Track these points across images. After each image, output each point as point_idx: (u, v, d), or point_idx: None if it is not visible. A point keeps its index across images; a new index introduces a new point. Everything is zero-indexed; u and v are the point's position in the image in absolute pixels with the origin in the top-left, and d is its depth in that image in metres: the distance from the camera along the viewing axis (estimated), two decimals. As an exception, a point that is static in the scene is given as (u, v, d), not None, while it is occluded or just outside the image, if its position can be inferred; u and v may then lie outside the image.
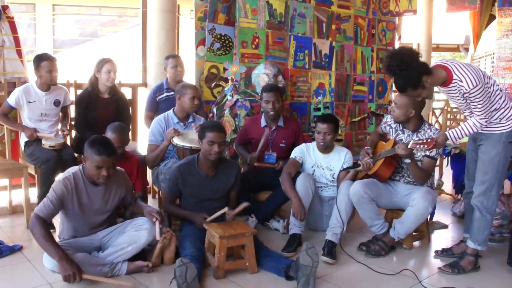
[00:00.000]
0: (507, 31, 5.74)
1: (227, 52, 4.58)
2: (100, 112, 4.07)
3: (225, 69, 4.50)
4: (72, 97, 4.33)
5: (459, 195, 4.74)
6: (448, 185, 5.12)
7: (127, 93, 4.65)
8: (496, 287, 3.00)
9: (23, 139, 3.91)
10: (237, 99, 4.40)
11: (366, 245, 3.48)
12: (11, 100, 3.82)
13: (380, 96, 5.99)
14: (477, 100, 2.88)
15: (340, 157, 3.80)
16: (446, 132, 3.07)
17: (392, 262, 3.33)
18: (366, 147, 3.61)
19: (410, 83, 2.90)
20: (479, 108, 2.91)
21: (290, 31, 4.93)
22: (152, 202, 4.45)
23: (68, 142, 4.18)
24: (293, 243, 3.43)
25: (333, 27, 5.31)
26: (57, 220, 2.97)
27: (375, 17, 5.80)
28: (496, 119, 3.00)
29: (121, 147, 3.38)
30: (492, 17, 7.84)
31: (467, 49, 10.50)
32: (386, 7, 5.90)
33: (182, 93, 3.86)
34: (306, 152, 3.83)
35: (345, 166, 3.72)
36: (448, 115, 7.72)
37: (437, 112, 8.47)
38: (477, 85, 2.84)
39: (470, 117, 3.03)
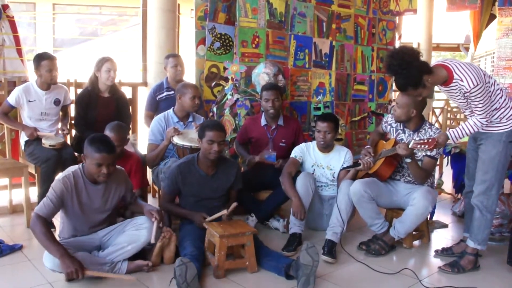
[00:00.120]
0: (507, 31, 5.73)
1: (227, 51, 4.57)
2: (100, 111, 4.07)
3: (225, 69, 4.50)
4: (72, 96, 4.33)
5: (459, 195, 4.74)
6: (448, 185, 5.12)
7: (127, 92, 4.65)
8: (496, 286, 3.00)
9: (23, 138, 3.91)
10: (237, 99, 4.40)
11: (366, 245, 3.48)
12: (11, 99, 3.82)
13: (380, 95, 5.99)
14: (477, 99, 2.88)
15: (340, 157, 3.79)
16: (447, 132, 3.07)
17: (392, 262, 3.33)
18: (367, 146, 3.61)
19: (411, 82, 2.90)
20: (480, 107, 2.91)
21: (290, 30, 4.93)
22: (152, 201, 4.45)
23: (68, 141, 4.18)
24: (293, 242, 3.43)
25: (333, 26, 5.31)
26: (57, 220, 2.97)
27: (376, 17, 5.80)
28: (496, 118, 3.00)
29: (119, 146, 3.38)
30: (492, 17, 7.83)
31: (467, 49, 10.49)
32: (386, 6, 5.89)
33: (183, 92, 3.85)
34: (306, 152, 3.83)
35: (345, 165, 3.72)
36: (448, 115, 7.72)
37: (437, 111, 8.47)
38: (477, 85, 2.84)
39: (471, 116, 3.03)
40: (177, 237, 3.15)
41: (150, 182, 4.38)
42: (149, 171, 4.14)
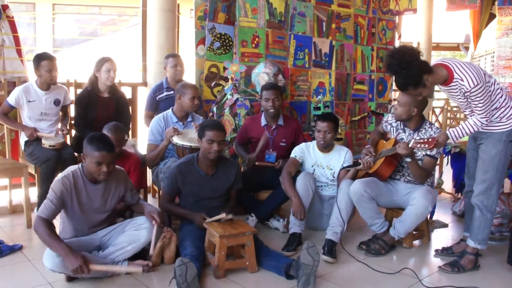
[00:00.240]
0: (507, 30, 5.73)
1: (227, 51, 4.57)
2: (100, 111, 4.07)
3: (225, 68, 4.50)
4: (72, 96, 4.33)
5: (459, 194, 4.74)
6: (448, 184, 5.12)
7: (127, 92, 4.65)
8: (496, 286, 2.99)
9: (23, 138, 3.91)
10: (237, 98, 4.40)
11: (366, 244, 3.48)
12: (11, 99, 3.82)
13: (380, 95, 5.99)
14: (478, 99, 2.88)
15: (340, 156, 3.79)
16: (447, 131, 3.06)
17: (392, 261, 3.33)
18: (367, 146, 3.61)
19: (411, 82, 2.90)
20: (480, 107, 2.91)
21: (290, 30, 4.93)
22: (152, 201, 4.45)
23: (68, 142, 4.18)
24: (293, 242, 3.43)
25: (333, 26, 5.31)
26: (57, 220, 2.96)
27: (375, 16, 5.80)
28: (496, 118, 3.00)
29: (118, 146, 3.37)
30: (492, 16, 7.83)
31: (467, 48, 10.49)
32: (386, 6, 5.89)
33: (182, 92, 3.85)
34: (306, 151, 3.82)
35: (345, 165, 3.72)
36: (448, 114, 7.72)
37: (437, 111, 8.47)
38: (478, 84, 2.83)
39: (471, 116, 3.03)
40: (177, 237, 3.15)
41: (150, 182, 4.38)
42: (149, 172, 4.14)
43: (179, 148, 3.66)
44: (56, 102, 3.97)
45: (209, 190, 3.33)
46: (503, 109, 3.00)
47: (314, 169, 3.80)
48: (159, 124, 3.87)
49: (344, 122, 5.25)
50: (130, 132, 4.52)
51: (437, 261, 3.34)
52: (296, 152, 3.82)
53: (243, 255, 3.07)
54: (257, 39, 4.66)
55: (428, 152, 3.33)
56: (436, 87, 3.15)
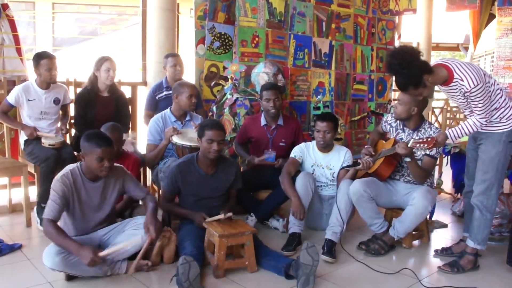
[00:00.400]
0: (506, 30, 5.74)
1: (226, 51, 4.57)
2: (99, 110, 4.07)
3: (224, 68, 4.50)
4: (71, 95, 4.32)
5: (459, 194, 4.74)
6: (447, 184, 5.12)
7: (126, 91, 4.65)
8: (495, 286, 3.00)
9: (22, 137, 3.91)
10: (237, 98, 4.40)
11: (366, 244, 3.48)
12: (11, 98, 3.82)
13: (380, 95, 5.99)
14: (477, 99, 2.88)
15: (340, 156, 3.80)
16: (446, 131, 3.07)
17: (392, 261, 3.33)
18: (367, 146, 3.61)
19: (411, 81, 2.90)
20: (480, 107, 2.91)
21: (290, 30, 4.93)
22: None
23: (68, 141, 4.18)
24: (292, 242, 3.43)
25: (333, 26, 5.31)
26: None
27: (375, 16, 5.80)
28: (496, 118, 3.00)
29: (116, 146, 3.36)
30: (491, 16, 7.84)
31: (466, 48, 10.49)
32: (386, 6, 5.89)
33: (180, 91, 3.85)
34: (306, 151, 3.83)
35: (344, 165, 3.72)
36: (448, 114, 7.72)
37: (437, 111, 8.47)
38: (478, 84, 2.84)
39: (470, 116, 3.03)
40: (176, 237, 3.15)
41: (150, 182, 4.38)
42: (148, 171, 4.13)
43: (179, 148, 3.65)
44: (56, 101, 3.97)
45: (209, 189, 3.32)
46: (502, 109, 3.00)
47: (314, 169, 3.80)
48: (158, 124, 3.87)
49: (343, 122, 5.25)
50: (130, 130, 4.51)
51: (436, 261, 3.34)
52: (295, 152, 3.82)
53: (243, 255, 3.07)
54: (256, 39, 4.66)
55: (428, 152, 3.33)
56: (436, 87, 3.15)
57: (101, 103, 4.10)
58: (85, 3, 14.84)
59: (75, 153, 3.87)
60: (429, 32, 8.88)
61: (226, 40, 4.55)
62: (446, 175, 5.15)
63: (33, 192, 3.88)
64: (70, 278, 2.79)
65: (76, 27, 15.14)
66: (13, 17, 4.48)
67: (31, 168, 3.86)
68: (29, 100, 3.84)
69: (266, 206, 3.89)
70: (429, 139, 3.01)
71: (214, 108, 4.42)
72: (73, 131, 4.33)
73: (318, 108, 5.06)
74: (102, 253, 2.71)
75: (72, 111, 4.27)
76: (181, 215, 3.37)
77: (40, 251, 2.81)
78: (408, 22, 8.78)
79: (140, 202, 3.51)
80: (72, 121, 4.27)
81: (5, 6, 4.39)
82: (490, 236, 3.38)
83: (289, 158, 3.81)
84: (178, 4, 5.07)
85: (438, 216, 4.27)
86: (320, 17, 5.17)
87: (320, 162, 3.80)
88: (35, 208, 3.83)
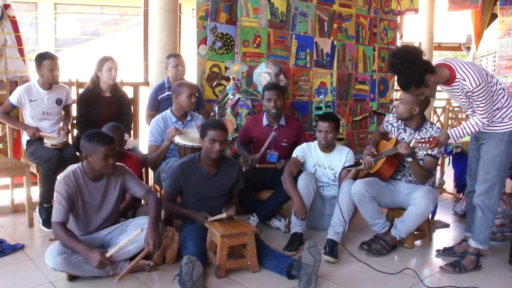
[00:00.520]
0: (509, 30, 5.73)
1: (228, 51, 4.58)
2: (101, 110, 4.08)
3: (226, 68, 4.50)
4: (73, 95, 4.33)
5: (461, 194, 4.73)
6: (449, 184, 5.12)
7: (128, 92, 4.65)
8: (497, 286, 2.99)
9: (25, 137, 3.91)
10: (239, 98, 4.40)
11: (368, 244, 3.48)
12: (13, 98, 3.83)
13: (382, 95, 5.99)
14: (479, 99, 2.88)
15: (342, 156, 3.79)
16: (448, 131, 3.06)
17: (394, 261, 3.33)
18: (369, 146, 3.61)
19: (414, 81, 2.90)
20: (482, 107, 2.91)
21: (292, 30, 4.93)
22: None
23: (70, 141, 4.19)
24: (294, 242, 3.43)
25: (335, 26, 5.31)
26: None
27: (377, 16, 5.80)
28: (498, 118, 3.00)
29: (117, 146, 3.36)
30: (494, 16, 7.84)
31: (468, 48, 10.49)
32: (387, 5, 5.89)
33: (179, 92, 3.85)
34: (308, 151, 3.83)
35: (346, 165, 3.72)
36: (450, 114, 7.71)
37: (439, 111, 8.46)
38: (480, 84, 2.83)
39: (472, 116, 3.02)
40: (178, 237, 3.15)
41: (152, 182, 4.38)
42: (150, 172, 4.13)
43: (181, 148, 3.66)
44: (58, 102, 3.98)
45: (211, 189, 3.33)
46: (505, 109, 3.00)
47: (316, 169, 3.80)
48: (159, 125, 3.87)
49: (345, 122, 5.25)
50: (132, 132, 4.52)
51: (438, 261, 3.33)
52: (297, 152, 3.82)
53: (245, 255, 3.07)
54: (258, 39, 4.66)
55: (429, 152, 3.33)
56: (439, 87, 3.14)
57: (103, 103, 4.11)
58: (87, 3, 14.85)
59: (77, 153, 3.88)
60: (431, 32, 8.86)
61: (228, 40, 4.56)
62: (448, 175, 5.14)
63: (36, 193, 3.89)
64: (72, 278, 2.80)
65: (78, 28, 15.14)
66: (15, 17, 4.50)
67: (33, 169, 3.87)
68: (31, 101, 3.85)
69: (268, 206, 3.89)
70: (431, 139, 3.00)
71: (216, 108, 4.42)
72: (75, 132, 4.34)
73: (320, 108, 5.06)
74: (108, 254, 2.72)
75: (74, 111, 4.27)
76: (183, 215, 3.38)
77: (42, 251, 2.82)
78: (410, 22, 8.78)
79: (143, 202, 3.51)
80: (74, 121, 4.27)
81: (6, 6, 4.40)
82: (492, 236, 3.37)
83: (291, 158, 3.81)
84: (180, 4, 5.07)
85: (440, 216, 4.27)
86: (322, 17, 5.17)
87: (322, 162, 3.80)
88: (37, 208, 3.84)
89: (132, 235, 2.83)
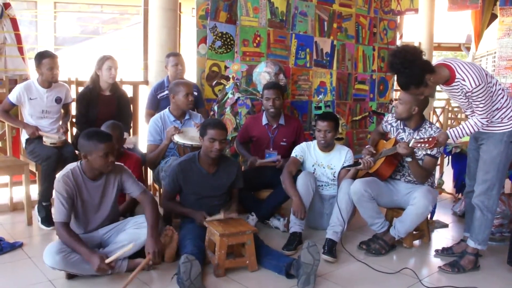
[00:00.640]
0: (508, 30, 5.73)
1: (228, 50, 4.57)
2: (101, 109, 4.08)
3: (226, 67, 4.50)
4: (73, 94, 4.33)
5: (460, 194, 4.74)
6: (448, 184, 5.12)
7: (128, 90, 4.65)
8: (496, 286, 2.99)
9: (24, 136, 3.91)
10: (238, 97, 4.40)
11: (367, 244, 3.48)
12: (12, 97, 3.82)
13: (381, 95, 5.98)
14: (479, 99, 2.88)
15: (341, 156, 3.79)
16: (447, 131, 3.06)
17: (392, 261, 3.33)
18: (367, 146, 3.61)
19: (413, 81, 2.90)
20: (481, 107, 2.91)
21: (292, 30, 4.92)
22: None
23: (69, 140, 4.18)
24: (293, 241, 3.43)
25: (335, 25, 5.30)
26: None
27: (377, 16, 5.79)
28: (497, 118, 3.00)
29: (116, 144, 3.35)
30: (493, 16, 7.84)
31: (468, 48, 10.49)
32: (387, 5, 5.89)
33: (176, 91, 3.85)
34: (307, 151, 3.83)
35: (345, 165, 3.72)
36: (449, 114, 7.71)
37: (438, 111, 8.47)
38: (479, 84, 2.83)
39: (472, 116, 3.03)
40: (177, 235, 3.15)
41: (151, 181, 4.38)
42: (149, 170, 4.13)
43: (180, 147, 3.66)
44: (58, 100, 3.97)
45: (210, 188, 3.33)
46: (504, 109, 3.00)
47: (315, 169, 3.80)
48: (157, 125, 3.87)
49: (345, 122, 5.24)
50: (131, 131, 4.52)
51: (437, 261, 3.34)
52: (296, 152, 3.82)
53: (244, 254, 3.07)
54: (258, 38, 4.66)
55: (429, 152, 3.33)
56: (438, 87, 3.14)
57: (103, 102, 4.11)
58: (87, 2, 14.83)
59: (77, 152, 3.88)
60: (431, 32, 8.87)
61: (228, 40, 4.56)
62: (447, 175, 5.15)
63: (34, 191, 3.89)
64: (70, 276, 2.80)
65: (78, 26, 15.13)
66: (15, 16, 4.49)
67: (32, 167, 3.86)
68: (30, 99, 3.85)
69: (267, 205, 3.89)
70: (430, 139, 3.00)
71: (216, 108, 4.42)
72: (74, 130, 4.34)
73: (320, 108, 5.06)
74: (107, 260, 2.72)
75: (73, 110, 4.27)
76: (182, 214, 3.38)
77: (41, 249, 2.82)
78: (410, 22, 8.78)
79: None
80: (74, 120, 4.27)
81: (7, 5, 4.40)
82: (491, 236, 3.38)
83: (290, 158, 3.81)
84: (179, 3, 5.07)
85: (439, 216, 4.27)
86: (322, 17, 5.17)
87: (321, 161, 3.80)
88: (36, 206, 3.84)
89: (128, 247, 2.80)
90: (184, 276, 2.58)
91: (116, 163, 2.98)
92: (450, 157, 4.69)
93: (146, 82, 5.02)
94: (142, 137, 4.62)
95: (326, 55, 5.26)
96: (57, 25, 14.91)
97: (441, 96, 8.86)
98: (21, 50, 4.51)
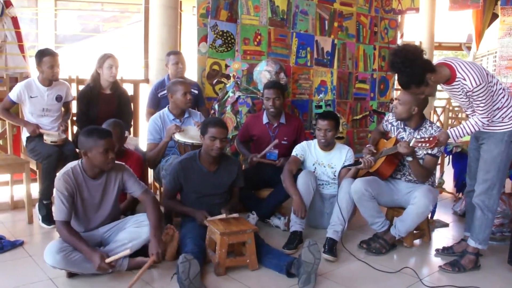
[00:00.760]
0: (509, 30, 5.73)
1: (229, 48, 4.57)
2: (102, 107, 4.07)
3: (227, 66, 4.50)
4: (74, 92, 4.33)
5: (460, 194, 4.74)
6: (449, 184, 5.12)
7: (129, 89, 4.65)
8: (496, 285, 2.99)
9: (24, 134, 3.91)
10: (239, 96, 4.39)
11: (367, 243, 3.48)
12: (13, 95, 3.82)
13: (382, 94, 5.98)
14: (480, 99, 2.88)
15: (342, 155, 3.79)
16: (448, 131, 3.06)
17: (393, 260, 3.33)
18: (368, 145, 3.61)
19: (414, 80, 2.90)
20: (482, 107, 2.90)
21: (292, 28, 4.92)
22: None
23: (70, 138, 4.18)
24: (293, 240, 3.43)
25: (335, 24, 5.30)
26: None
27: (378, 15, 5.79)
28: (498, 118, 3.00)
29: (117, 142, 3.34)
30: (494, 16, 7.83)
31: (469, 48, 10.48)
32: (388, 5, 5.88)
33: (174, 90, 3.85)
34: (308, 150, 3.82)
35: (346, 164, 3.72)
36: (450, 114, 7.71)
37: (439, 110, 8.47)
38: (480, 84, 2.83)
39: (472, 115, 3.02)
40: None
41: (151, 179, 4.38)
42: (150, 171, 4.13)
43: (181, 145, 3.66)
44: (58, 98, 3.97)
45: (211, 187, 3.33)
46: (505, 109, 3.00)
47: (315, 168, 3.80)
48: (156, 124, 3.87)
49: (345, 121, 5.24)
50: (131, 129, 4.52)
51: (437, 261, 3.34)
52: (297, 150, 3.82)
53: (244, 253, 3.07)
54: (259, 37, 4.66)
55: (429, 151, 3.33)
56: (439, 87, 3.14)
57: (103, 100, 4.11)
58: (88, 0, 14.82)
59: (77, 150, 3.88)
60: (431, 31, 8.86)
61: (229, 38, 4.55)
62: (447, 175, 5.14)
63: (35, 189, 3.89)
64: (71, 275, 2.80)
65: (79, 24, 15.11)
66: (15, 15, 4.49)
67: (33, 165, 3.86)
68: (31, 97, 3.85)
69: (268, 204, 3.89)
70: (431, 139, 3.00)
71: (216, 106, 4.42)
72: (75, 128, 4.34)
73: (320, 107, 5.05)
74: (108, 260, 2.72)
75: (74, 108, 4.27)
76: (183, 213, 3.38)
77: (41, 248, 2.82)
78: (411, 21, 8.78)
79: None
80: (74, 118, 4.27)
81: (8, 3, 4.40)
82: (491, 235, 3.38)
83: (290, 157, 3.81)
84: (180, 2, 5.08)
85: (439, 215, 4.27)
86: (322, 16, 5.16)
87: (321, 160, 3.80)
88: (37, 205, 3.84)
89: (124, 252, 2.80)
90: (183, 275, 2.58)
91: (117, 162, 2.99)
92: (450, 156, 4.68)
93: (146, 80, 5.02)
94: (143, 135, 4.62)
95: (326, 54, 5.26)
96: (58, 23, 14.88)
97: (441, 96, 8.87)
98: (21, 48, 4.52)
